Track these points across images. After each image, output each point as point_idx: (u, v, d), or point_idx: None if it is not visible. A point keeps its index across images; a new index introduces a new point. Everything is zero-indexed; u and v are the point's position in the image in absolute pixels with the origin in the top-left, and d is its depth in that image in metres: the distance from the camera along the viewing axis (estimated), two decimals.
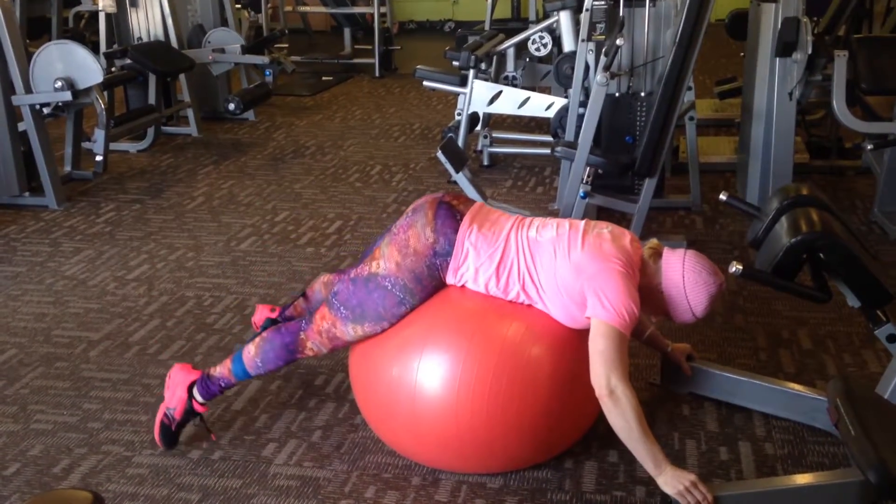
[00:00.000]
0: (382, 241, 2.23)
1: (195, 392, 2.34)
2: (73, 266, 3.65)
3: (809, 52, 3.67)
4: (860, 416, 1.87)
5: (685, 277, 2.13)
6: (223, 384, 2.35)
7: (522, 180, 4.73)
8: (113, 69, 5.27)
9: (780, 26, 3.71)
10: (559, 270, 2.10)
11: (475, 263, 2.14)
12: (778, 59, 3.79)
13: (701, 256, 2.18)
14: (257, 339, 2.31)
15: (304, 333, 2.26)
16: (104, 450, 2.37)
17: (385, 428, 2.26)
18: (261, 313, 2.84)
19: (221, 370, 2.34)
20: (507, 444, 2.11)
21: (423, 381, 2.09)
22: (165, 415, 2.35)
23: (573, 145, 3.47)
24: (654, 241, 2.23)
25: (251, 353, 2.30)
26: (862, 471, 1.77)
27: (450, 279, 2.18)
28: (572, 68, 4.00)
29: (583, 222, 2.20)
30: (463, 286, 2.19)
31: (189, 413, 2.34)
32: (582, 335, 2.09)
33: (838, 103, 3.67)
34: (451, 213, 2.17)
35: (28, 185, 4.40)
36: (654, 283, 2.16)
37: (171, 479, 2.24)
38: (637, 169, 3.36)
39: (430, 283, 2.16)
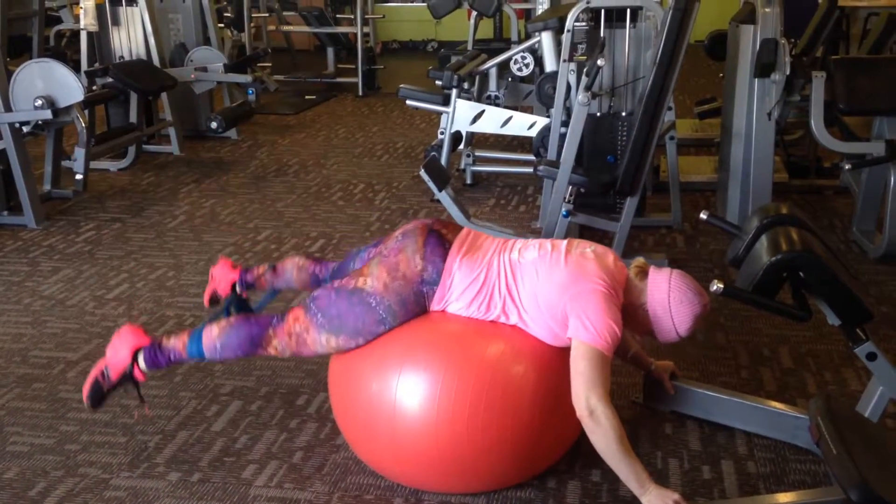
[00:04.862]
0: (372, 259, 2.22)
1: (140, 358, 2.23)
2: (51, 286, 3.61)
3: (787, 72, 3.72)
4: (841, 434, 1.88)
5: (671, 296, 2.13)
6: (173, 358, 2.24)
7: (505, 199, 4.75)
8: (94, 87, 5.24)
9: (758, 47, 3.76)
10: (541, 291, 2.10)
11: (459, 289, 2.14)
12: (756, 79, 3.83)
13: (687, 276, 2.19)
14: (223, 322, 2.23)
15: (272, 330, 2.19)
16: (81, 472, 2.33)
17: (366, 448, 2.24)
18: (223, 269, 2.67)
19: (175, 343, 2.24)
20: (489, 462, 2.10)
21: (402, 400, 2.07)
22: (101, 372, 2.24)
23: (555, 164, 3.49)
24: (640, 260, 2.23)
25: (213, 335, 2.21)
26: (843, 489, 1.78)
27: (434, 306, 2.18)
28: (554, 88, 4.03)
29: (565, 242, 2.20)
30: (444, 310, 2.19)
31: (126, 378, 2.24)
32: (563, 352, 2.09)
33: (816, 123, 3.71)
34: (440, 241, 2.16)
35: (6, 204, 4.36)
36: (639, 302, 2.16)
37: (150, 502, 2.20)
38: (619, 188, 3.38)
39: (415, 308, 2.16)
